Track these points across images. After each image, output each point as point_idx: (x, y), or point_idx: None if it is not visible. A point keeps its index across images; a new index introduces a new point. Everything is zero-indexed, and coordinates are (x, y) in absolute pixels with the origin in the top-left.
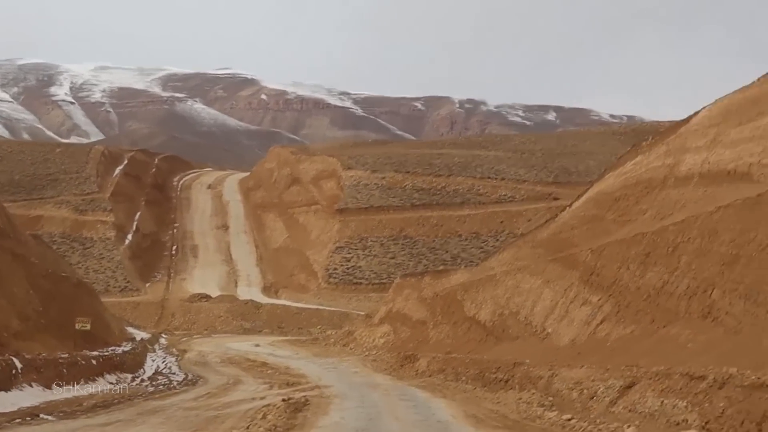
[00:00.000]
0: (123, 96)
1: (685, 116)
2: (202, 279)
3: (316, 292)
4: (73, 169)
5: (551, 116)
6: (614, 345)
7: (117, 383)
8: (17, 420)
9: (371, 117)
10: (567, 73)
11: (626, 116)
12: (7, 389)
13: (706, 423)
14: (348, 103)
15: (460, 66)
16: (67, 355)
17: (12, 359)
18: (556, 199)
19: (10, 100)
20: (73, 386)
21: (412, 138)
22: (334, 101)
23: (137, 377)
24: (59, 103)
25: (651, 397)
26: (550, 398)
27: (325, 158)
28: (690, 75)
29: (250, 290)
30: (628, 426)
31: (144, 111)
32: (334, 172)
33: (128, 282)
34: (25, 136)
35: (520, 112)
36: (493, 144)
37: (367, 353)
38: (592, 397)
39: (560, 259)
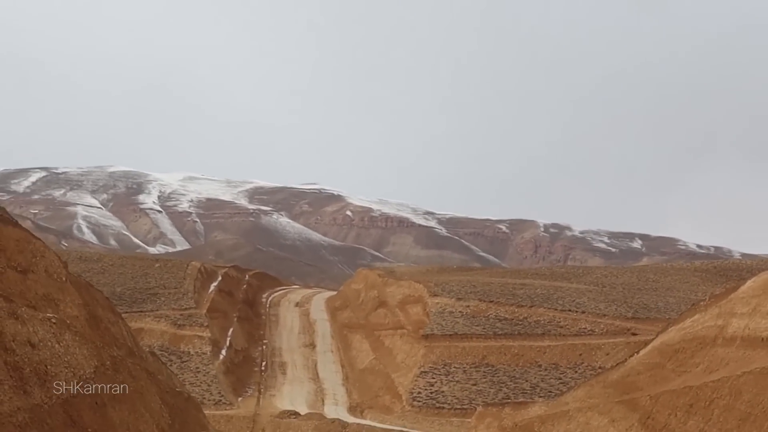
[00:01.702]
0: (210, 207)
1: None
2: (291, 396)
3: (401, 414)
4: (172, 284)
5: (637, 244)
6: None
7: None
8: None
9: (455, 237)
10: (655, 201)
11: (713, 247)
12: None
13: None
14: (432, 223)
15: (547, 190)
16: None
17: None
18: (634, 334)
19: (99, 206)
20: None
21: (495, 260)
22: (418, 220)
23: None
24: (147, 211)
25: None
26: None
27: (412, 284)
28: None
29: (336, 409)
30: None
31: (230, 222)
32: (420, 298)
33: (222, 396)
34: (113, 242)
35: (605, 239)
36: (575, 276)
37: None
38: None
39: (625, 401)
